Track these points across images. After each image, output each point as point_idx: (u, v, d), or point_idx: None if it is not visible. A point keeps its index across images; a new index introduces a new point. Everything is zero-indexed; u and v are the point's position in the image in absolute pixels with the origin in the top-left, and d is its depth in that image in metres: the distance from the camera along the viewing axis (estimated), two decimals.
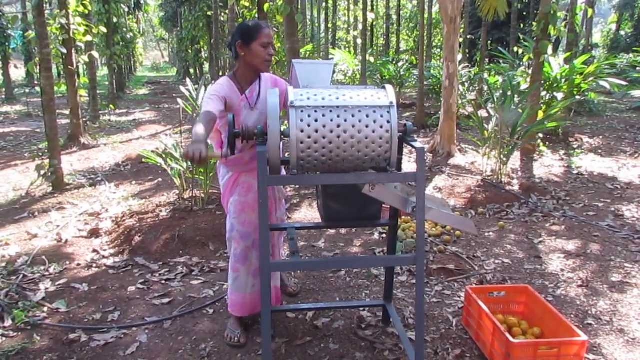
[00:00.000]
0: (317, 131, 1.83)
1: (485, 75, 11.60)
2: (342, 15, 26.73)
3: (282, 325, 2.77)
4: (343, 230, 4.25)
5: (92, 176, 6.25)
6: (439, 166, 6.48)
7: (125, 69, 21.81)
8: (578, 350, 2.25)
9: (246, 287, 2.61)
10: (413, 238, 3.86)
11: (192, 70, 23.19)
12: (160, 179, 6.08)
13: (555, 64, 7.91)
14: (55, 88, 6.35)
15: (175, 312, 2.93)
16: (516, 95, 5.94)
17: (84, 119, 9.01)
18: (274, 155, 1.87)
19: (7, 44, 15.77)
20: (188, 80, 5.18)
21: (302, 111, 1.84)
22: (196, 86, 4.76)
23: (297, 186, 5.43)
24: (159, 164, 4.69)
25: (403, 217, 4.23)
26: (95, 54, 9.79)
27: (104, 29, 10.17)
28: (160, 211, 4.36)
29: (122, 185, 5.85)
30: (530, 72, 7.24)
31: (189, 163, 4.25)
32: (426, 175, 3.28)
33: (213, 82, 3.25)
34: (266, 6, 6.72)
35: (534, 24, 7.80)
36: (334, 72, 3.55)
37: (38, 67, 5.82)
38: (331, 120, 1.84)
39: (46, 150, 5.86)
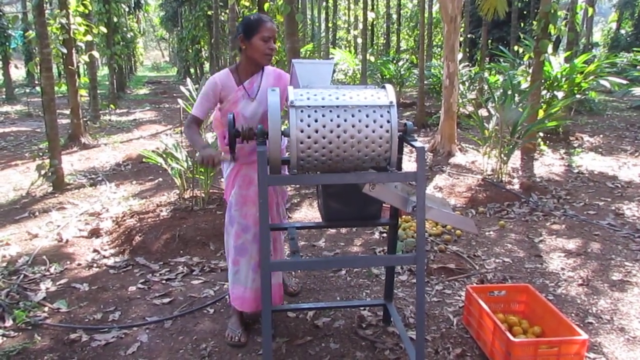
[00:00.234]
0: (317, 131, 1.83)
1: (486, 74, 11.60)
2: (343, 14, 26.71)
3: (283, 325, 2.77)
4: (343, 230, 4.25)
5: (92, 176, 6.25)
6: (440, 165, 6.48)
7: (126, 69, 21.81)
8: (578, 349, 2.25)
9: (247, 280, 2.61)
10: (413, 237, 3.86)
11: (192, 70, 23.18)
12: (160, 179, 6.08)
13: (556, 63, 7.90)
14: (56, 88, 6.36)
15: (176, 311, 2.94)
16: (516, 94, 5.94)
17: (85, 119, 9.00)
18: (274, 155, 1.87)
19: (7, 43, 15.77)
20: (188, 79, 5.18)
21: (302, 111, 1.84)
22: (196, 86, 4.76)
23: (298, 186, 5.43)
24: (159, 164, 4.69)
25: (403, 217, 4.23)
26: (95, 53, 9.81)
27: (104, 29, 10.18)
28: (161, 211, 4.36)
29: (122, 185, 5.85)
30: (530, 71, 7.23)
31: (197, 164, 4.33)
32: (426, 174, 3.28)
33: None
34: (266, 6, 6.72)
35: (534, 22, 7.79)
36: (334, 71, 3.55)
37: (38, 67, 5.81)
38: (331, 120, 1.84)
39: (46, 150, 5.87)
